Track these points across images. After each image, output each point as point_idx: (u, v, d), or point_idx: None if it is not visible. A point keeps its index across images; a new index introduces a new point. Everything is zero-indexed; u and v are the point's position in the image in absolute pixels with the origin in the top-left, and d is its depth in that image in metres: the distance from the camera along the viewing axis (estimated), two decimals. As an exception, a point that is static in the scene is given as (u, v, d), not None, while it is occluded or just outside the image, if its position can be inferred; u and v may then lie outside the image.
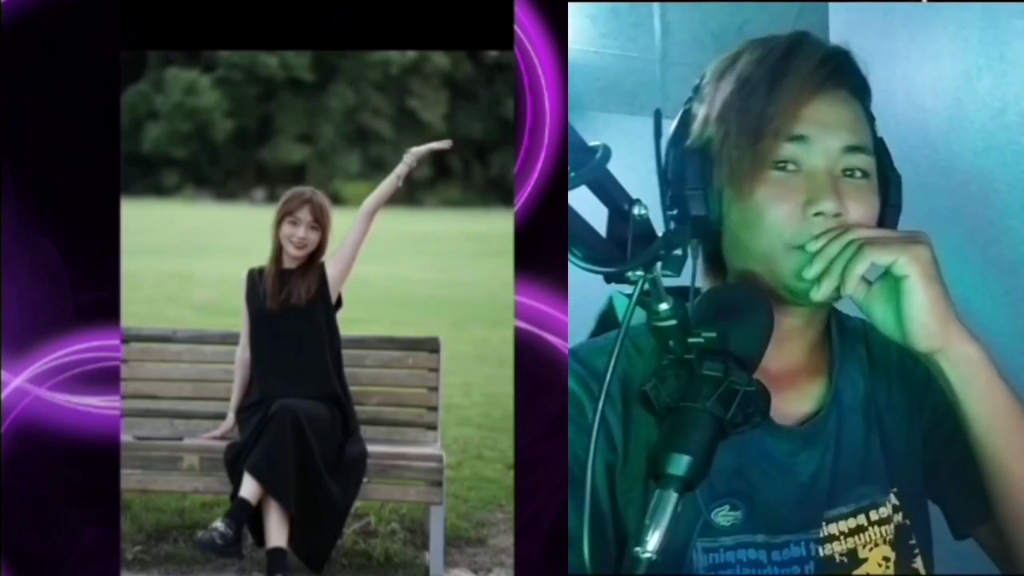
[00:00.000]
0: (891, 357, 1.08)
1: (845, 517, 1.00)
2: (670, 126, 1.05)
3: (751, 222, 0.97)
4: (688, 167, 1.00)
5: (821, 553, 0.99)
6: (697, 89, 1.05)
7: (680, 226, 1.00)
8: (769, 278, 0.97)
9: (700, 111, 1.02)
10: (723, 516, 0.98)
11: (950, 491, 1.07)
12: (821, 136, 0.96)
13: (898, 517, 1.03)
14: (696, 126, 1.02)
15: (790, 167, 0.97)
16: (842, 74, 0.99)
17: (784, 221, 0.95)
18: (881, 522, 1.01)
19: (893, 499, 1.03)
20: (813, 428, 1.03)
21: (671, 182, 1.02)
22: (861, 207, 0.97)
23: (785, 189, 0.96)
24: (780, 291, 0.97)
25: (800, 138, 0.96)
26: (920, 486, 1.07)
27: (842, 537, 1.00)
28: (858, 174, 0.98)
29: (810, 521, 1.00)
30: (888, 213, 1.02)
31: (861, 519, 1.01)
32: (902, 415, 1.06)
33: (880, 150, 1.04)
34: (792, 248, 0.95)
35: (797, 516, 1.00)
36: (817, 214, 0.94)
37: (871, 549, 1.00)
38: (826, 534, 1.00)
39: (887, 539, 1.01)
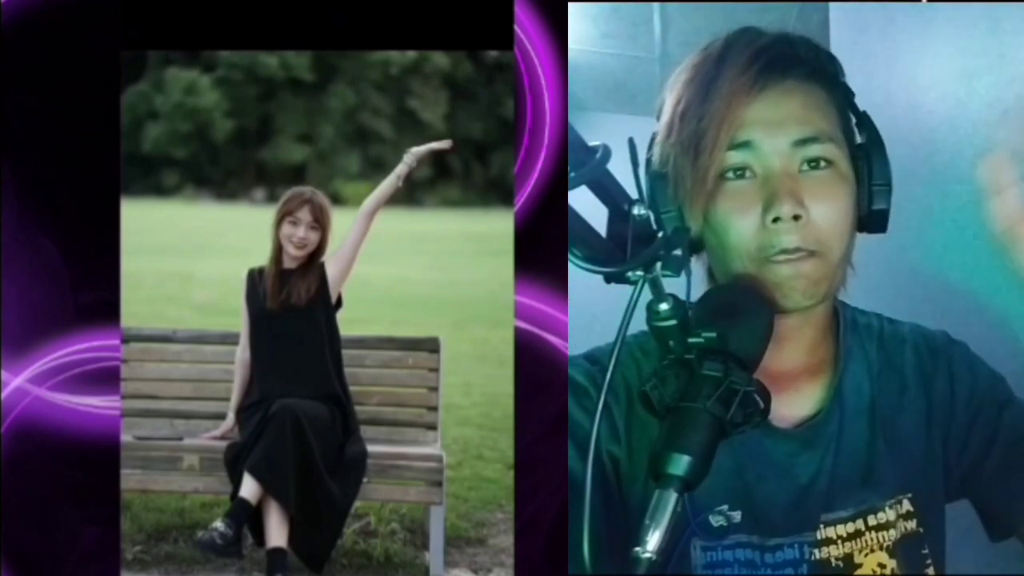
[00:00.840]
0: (907, 359, 1.06)
1: (844, 521, 1.00)
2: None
3: (719, 237, 0.97)
4: (657, 189, 1.00)
5: (816, 556, 0.98)
6: (661, 107, 1.03)
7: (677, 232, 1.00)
8: (757, 283, 0.97)
9: (660, 132, 1.02)
10: (718, 517, 0.98)
11: (994, 494, 1.04)
12: (767, 136, 0.94)
13: (911, 524, 1.01)
14: (656, 147, 1.02)
15: (747, 174, 0.95)
16: (784, 63, 0.96)
17: (748, 234, 0.94)
18: (879, 528, 1.00)
19: (907, 504, 1.01)
20: (812, 431, 1.02)
21: (649, 204, 1.00)
22: (826, 202, 0.94)
23: (743, 200, 0.95)
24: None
25: (745, 144, 0.94)
26: (939, 493, 1.04)
27: (839, 541, 0.99)
28: (822, 164, 0.95)
29: (805, 524, 0.99)
30: (876, 194, 0.98)
31: (859, 524, 1.00)
32: (919, 419, 1.04)
33: (863, 127, 1.00)
34: (761, 260, 0.95)
35: (792, 519, 0.99)
36: (775, 220, 0.93)
37: (867, 555, 1.00)
38: (823, 537, 0.99)
39: (884, 545, 1.00)
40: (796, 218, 0.93)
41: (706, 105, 0.94)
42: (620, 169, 0.83)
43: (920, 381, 1.05)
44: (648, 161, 1.02)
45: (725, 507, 0.98)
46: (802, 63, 0.97)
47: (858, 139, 1.00)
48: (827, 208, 0.94)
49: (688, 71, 0.99)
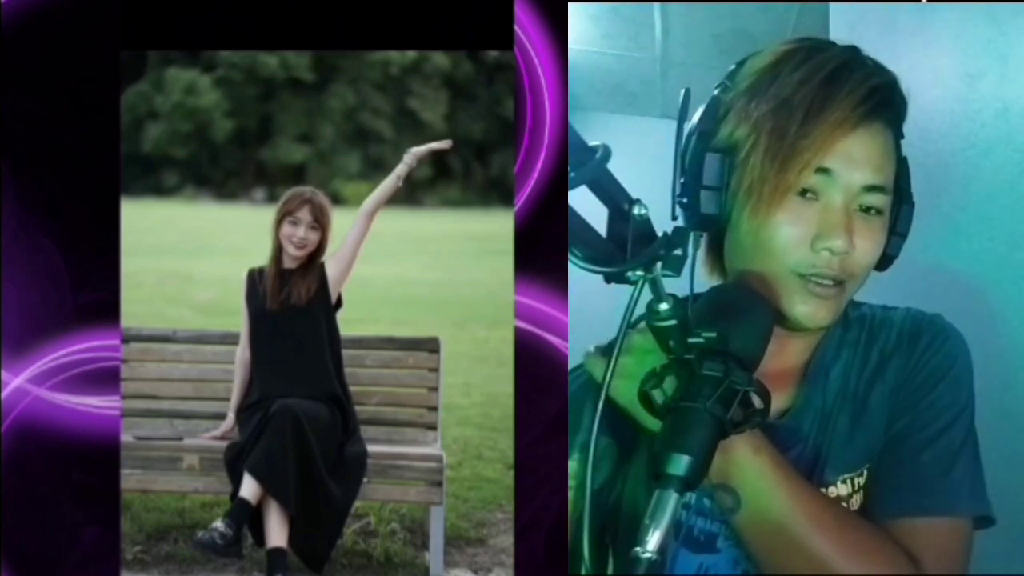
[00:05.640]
0: (890, 340, 1.06)
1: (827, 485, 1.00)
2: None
3: (762, 240, 0.97)
4: (709, 164, 0.99)
5: None
6: (732, 77, 1.02)
7: (683, 224, 0.99)
8: (759, 284, 0.98)
9: (732, 110, 1.00)
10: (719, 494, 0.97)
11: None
12: (846, 171, 0.95)
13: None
14: (726, 125, 1.00)
15: (809, 195, 0.96)
16: (883, 107, 0.97)
17: (792, 247, 0.96)
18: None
19: (865, 475, 1.01)
20: (794, 420, 1.02)
21: (687, 170, 1.00)
22: (868, 244, 0.97)
23: (799, 217, 0.96)
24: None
25: (825, 170, 0.95)
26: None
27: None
28: (873, 212, 0.97)
29: None
30: (892, 241, 1.01)
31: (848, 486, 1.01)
32: (885, 393, 1.04)
33: (901, 173, 1.02)
34: (793, 274, 0.96)
35: None
36: (825, 249, 0.95)
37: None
38: None
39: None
40: (844, 254, 0.95)
41: (810, 124, 0.94)
42: (620, 169, 0.83)
43: (897, 357, 1.05)
44: (705, 129, 1.00)
45: (720, 491, 0.98)
46: (892, 108, 0.99)
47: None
48: (867, 248, 0.97)
49: (799, 75, 0.96)
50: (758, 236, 0.97)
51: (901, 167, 1.02)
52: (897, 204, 1.01)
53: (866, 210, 0.97)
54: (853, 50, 1.00)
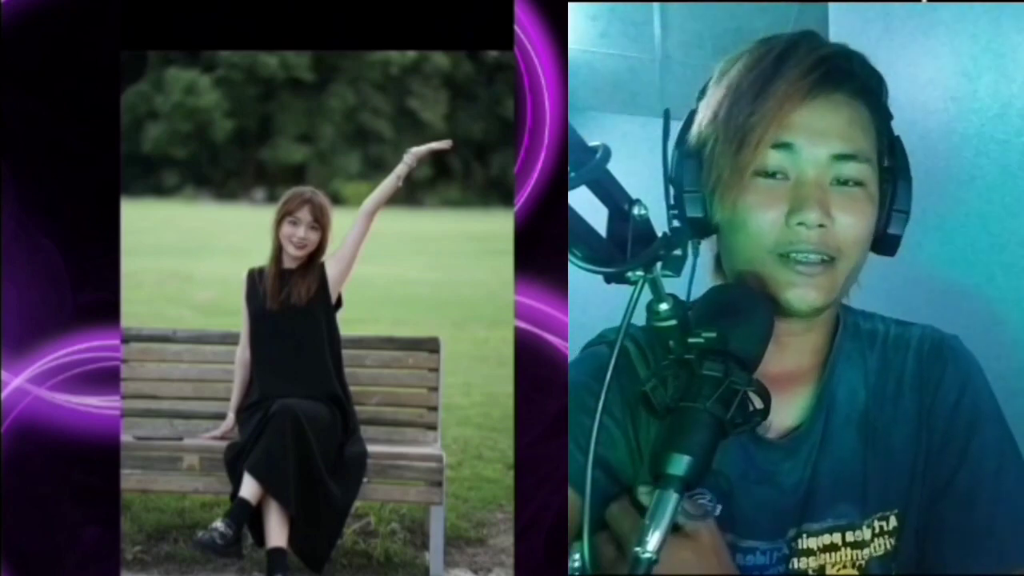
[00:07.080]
0: (908, 364, 1.05)
1: (818, 533, 0.99)
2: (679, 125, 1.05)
3: (737, 228, 0.97)
4: (685, 169, 1.00)
5: (786, 566, 0.98)
6: (704, 90, 1.04)
7: (680, 226, 1.00)
8: (758, 283, 0.97)
9: (700, 113, 1.02)
10: (695, 502, 0.97)
11: (935, 525, 1.00)
12: (809, 144, 0.95)
13: (891, 541, 1.00)
14: (694, 128, 1.02)
15: (778, 175, 0.96)
16: (839, 77, 0.97)
17: (767, 229, 0.95)
18: (855, 545, 0.99)
19: (893, 521, 1.00)
20: (795, 442, 1.01)
21: (673, 181, 1.02)
22: (851, 217, 0.95)
23: (770, 197, 0.95)
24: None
25: (786, 146, 0.95)
26: (919, 509, 1.02)
27: (818, 552, 0.99)
28: (851, 183, 0.96)
29: (779, 532, 0.99)
30: (894, 219, 1.00)
31: (836, 538, 0.99)
32: (910, 430, 1.02)
33: (894, 151, 1.01)
34: (777, 256, 0.95)
35: (769, 525, 0.99)
36: (799, 224, 0.94)
37: (839, 570, 0.99)
38: (804, 547, 0.99)
39: (856, 563, 0.99)
40: (820, 226, 0.94)
41: (758, 102, 0.95)
42: (620, 169, 0.83)
43: (916, 388, 1.04)
44: (682, 139, 1.03)
45: (706, 496, 0.97)
46: (854, 79, 0.98)
47: (886, 162, 1.01)
48: (851, 221, 0.96)
49: (746, 62, 0.99)
50: (733, 224, 0.98)
51: (894, 144, 1.02)
52: (892, 181, 1.00)
53: (843, 182, 0.96)
54: (807, 33, 1.00)
